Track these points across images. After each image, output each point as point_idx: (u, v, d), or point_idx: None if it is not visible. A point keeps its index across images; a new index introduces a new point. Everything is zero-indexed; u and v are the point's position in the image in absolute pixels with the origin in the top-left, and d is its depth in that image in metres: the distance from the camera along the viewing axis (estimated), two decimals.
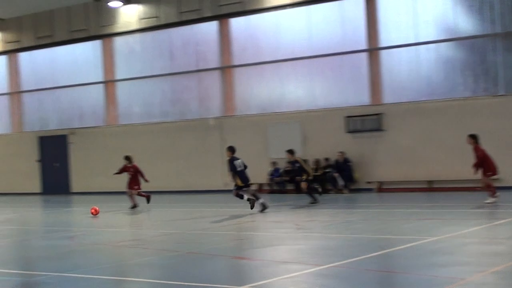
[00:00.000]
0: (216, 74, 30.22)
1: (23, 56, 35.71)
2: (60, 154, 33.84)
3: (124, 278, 10.17)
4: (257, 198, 19.30)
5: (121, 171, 23.06)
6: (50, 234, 16.48)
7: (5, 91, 36.17)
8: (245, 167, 19.62)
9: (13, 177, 35.10)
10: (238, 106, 29.78)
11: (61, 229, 17.45)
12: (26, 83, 35.71)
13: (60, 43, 34.00)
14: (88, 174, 32.77)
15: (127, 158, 23.20)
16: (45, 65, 35.00)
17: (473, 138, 19.22)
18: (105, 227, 17.28)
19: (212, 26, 30.15)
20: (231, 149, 19.75)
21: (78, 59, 33.94)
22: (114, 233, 15.93)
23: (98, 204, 23.44)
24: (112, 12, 32.15)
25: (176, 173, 30.23)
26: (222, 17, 29.74)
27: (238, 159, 19.56)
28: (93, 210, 20.10)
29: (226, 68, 29.89)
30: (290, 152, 21.83)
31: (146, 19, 31.38)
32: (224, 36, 29.91)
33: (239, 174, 19.35)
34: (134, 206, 22.27)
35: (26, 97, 35.77)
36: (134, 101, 32.35)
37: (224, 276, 10.04)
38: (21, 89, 35.84)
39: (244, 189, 19.53)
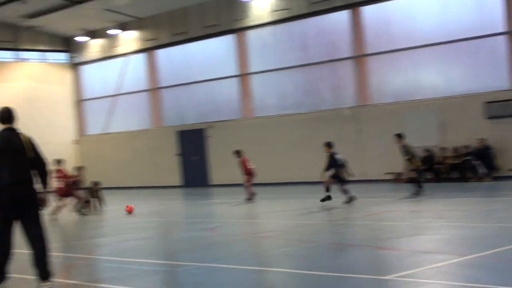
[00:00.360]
0: (349, 64, 30.01)
1: (160, 53, 36.79)
2: (198, 147, 34.64)
3: (265, 268, 10.31)
4: (347, 192, 19.36)
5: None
6: (192, 226, 16.93)
7: (144, 87, 37.43)
8: (344, 162, 19.80)
9: (155, 171, 36.26)
10: (373, 95, 29.45)
11: (202, 221, 17.88)
12: (164, 79, 36.79)
13: (194, 39, 34.78)
14: (226, 167, 33.29)
15: (237, 152, 23.90)
16: (180, 61, 35.91)
17: None
18: (244, 218, 17.57)
19: (343, 15, 29.95)
20: (329, 145, 19.91)
21: (212, 54, 34.60)
22: (253, 224, 16.19)
23: (235, 196, 23.93)
24: (244, 6, 32.57)
25: (311, 164, 30.21)
26: (354, 6, 29.47)
27: (337, 154, 19.69)
28: (128, 208, 20.33)
29: (359, 57, 29.63)
30: (398, 136, 21.36)
31: (278, 11, 31.58)
32: (356, 24, 29.65)
33: (340, 168, 19.51)
34: (250, 198, 22.71)
35: (164, 93, 36.85)
36: (268, 94, 32.65)
37: (366, 266, 9.99)
38: (159, 85, 36.97)
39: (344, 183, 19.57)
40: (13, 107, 9.53)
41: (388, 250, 11.10)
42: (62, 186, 20.96)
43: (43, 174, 9.25)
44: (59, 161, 21.48)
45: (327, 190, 19.49)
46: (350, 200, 19.13)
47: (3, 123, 9.28)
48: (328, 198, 19.27)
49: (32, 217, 9.05)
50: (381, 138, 27.90)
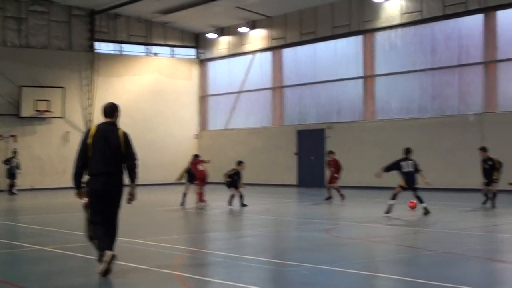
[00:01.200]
0: (479, 69, 29.11)
1: (287, 52, 36.95)
2: (316, 147, 34.56)
3: (375, 274, 10.11)
4: (421, 202, 18.74)
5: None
6: (306, 226, 16.87)
7: (269, 85, 37.70)
8: (416, 170, 19.17)
9: (272, 169, 36.48)
10: (501, 102, 28.45)
11: (316, 222, 17.79)
12: (288, 78, 36.93)
13: (323, 39, 34.73)
14: (344, 168, 33.07)
15: (330, 152, 25.37)
16: (306, 60, 35.93)
17: None
18: (360, 221, 17.34)
19: (477, 19, 29.08)
20: (408, 151, 19.43)
21: (338, 54, 34.44)
22: (368, 228, 15.94)
23: (353, 199, 23.74)
24: (374, 7, 32.22)
25: (434, 170, 29.52)
26: (489, 10, 28.57)
27: (409, 160, 19.13)
28: (411, 204, 20.11)
29: (490, 63, 28.70)
30: (483, 149, 21.15)
31: (409, 14, 31.06)
32: (490, 29, 28.72)
33: (404, 175, 19.01)
34: (329, 198, 24.13)
35: (287, 92, 36.99)
36: (392, 96, 32.16)
37: (481, 278, 9.61)
38: (284, 84, 37.13)
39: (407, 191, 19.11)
40: (118, 104, 10.32)
41: (506, 263, 10.64)
42: (202, 176, 22.53)
43: (132, 169, 9.99)
44: (197, 155, 23.69)
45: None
46: (425, 211, 18.63)
47: (105, 117, 10.09)
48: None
49: (114, 205, 9.89)
50: (505, 147, 26.90)
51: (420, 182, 19.21)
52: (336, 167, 24.68)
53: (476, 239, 13.77)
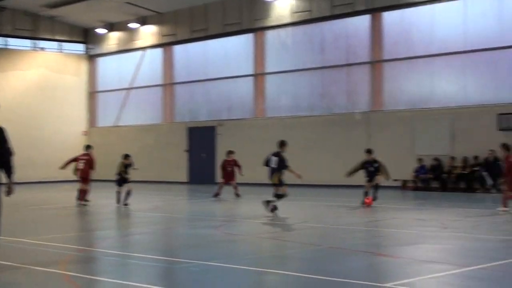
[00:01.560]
0: (366, 68, 29.91)
1: (178, 49, 36.83)
2: (207, 145, 34.64)
3: (264, 270, 10.23)
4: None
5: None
6: (196, 223, 16.88)
7: (159, 82, 37.46)
8: (282, 166, 17.81)
9: (163, 166, 36.30)
10: (386, 101, 29.35)
11: (207, 218, 17.83)
12: (179, 75, 36.82)
13: (214, 36, 34.81)
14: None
15: (230, 152, 25.64)
16: (197, 57, 35.93)
17: None
18: (249, 218, 17.48)
19: (364, 20, 29.86)
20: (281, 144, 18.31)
21: (229, 52, 34.61)
22: (259, 224, 16.09)
23: (243, 196, 23.93)
24: (265, 6, 32.54)
25: (323, 167, 30.19)
26: (375, 11, 29.38)
27: (276, 156, 17.91)
28: (368, 201, 19.96)
29: (376, 63, 29.53)
30: (369, 151, 21.24)
31: (299, 13, 31.53)
32: (376, 30, 29.55)
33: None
34: (217, 195, 24.49)
35: (178, 89, 36.88)
36: (282, 94, 32.60)
37: (365, 272, 9.88)
38: (174, 81, 36.98)
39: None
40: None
41: (390, 257, 10.99)
42: (83, 169, 21.78)
43: (8, 164, 9.98)
44: (88, 146, 23.10)
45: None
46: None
47: None
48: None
49: None
50: (390, 145, 27.81)
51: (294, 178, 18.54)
52: (236, 166, 25.21)
53: (361, 234, 14.14)
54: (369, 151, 21.33)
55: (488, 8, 26.70)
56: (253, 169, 31.67)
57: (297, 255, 11.54)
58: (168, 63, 37.19)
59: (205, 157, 34.68)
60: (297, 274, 9.57)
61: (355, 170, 21.01)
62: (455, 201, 22.18)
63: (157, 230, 15.69)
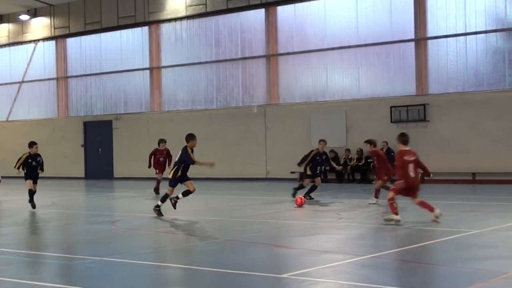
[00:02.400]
0: (262, 62, 30.18)
1: (71, 42, 36.12)
2: (104, 139, 34.20)
3: (162, 264, 10.21)
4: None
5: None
6: (93, 219, 16.66)
7: (52, 76, 36.64)
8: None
9: (58, 161, 35.56)
10: (282, 94, 29.73)
11: (103, 214, 17.62)
12: (73, 68, 36.14)
13: (108, 29, 34.32)
14: (131, 160, 33.06)
15: (162, 140, 23.14)
16: (92, 51, 35.36)
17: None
18: (147, 212, 17.38)
19: (259, 14, 30.11)
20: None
21: (124, 45, 34.23)
22: (156, 219, 16.02)
23: (138, 190, 23.72)
24: None
25: (220, 160, 30.24)
26: (270, 5, 29.68)
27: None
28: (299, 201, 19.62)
29: (271, 56, 29.84)
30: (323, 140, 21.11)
31: (194, 6, 31.47)
32: (271, 24, 29.85)
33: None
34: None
35: (72, 83, 36.19)
36: (179, 88, 32.51)
37: (263, 264, 10.01)
38: (68, 75, 36.26)
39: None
40: None
41: (287, 248, 11.16)
42: None
43: None
44: None
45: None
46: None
47: None
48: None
49: None
50: (287, 137, 28.21)
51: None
52: (168, 156, 22.72)
53: (258, 226, 14.28)
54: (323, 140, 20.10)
55: (378, 3, 27.42)
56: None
57: (196, 248, 11.57)
58: (62, 56, 36.42)
59: (102, 151, 34.21)
60: (196, 267, 9.59)
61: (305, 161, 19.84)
62: (351, 192, 22.72)
63: (53, 227, 15.39)
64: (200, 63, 31.74)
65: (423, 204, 13.80)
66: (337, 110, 27.93)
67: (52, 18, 36.18)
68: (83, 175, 34.92)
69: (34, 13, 36.55)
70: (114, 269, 9.64)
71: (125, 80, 34.06)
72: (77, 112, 35.87)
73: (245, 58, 30.56)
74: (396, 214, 13.53)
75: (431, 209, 13.68)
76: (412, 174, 13.78)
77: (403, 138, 14.16)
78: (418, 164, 14.07)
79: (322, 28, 28.70)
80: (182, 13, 31.86)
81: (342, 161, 27.29)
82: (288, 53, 29.50)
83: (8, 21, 37.77)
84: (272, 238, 12.47)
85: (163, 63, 33.00)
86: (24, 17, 36.68)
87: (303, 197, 18.17)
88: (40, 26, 36.62)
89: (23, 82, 37.59)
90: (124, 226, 14.90)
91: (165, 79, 32.98)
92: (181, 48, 32.46)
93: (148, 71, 33.31)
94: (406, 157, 13.78)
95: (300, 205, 17.54)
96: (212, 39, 31.49)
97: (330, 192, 22.81)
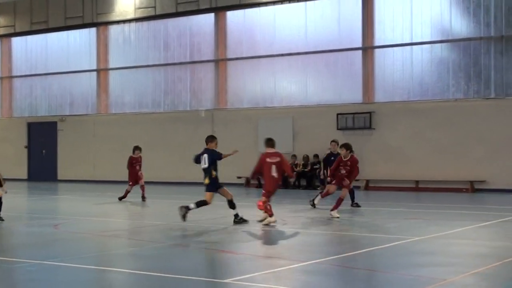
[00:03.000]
0: (210, 67, 30.15)
1: (16, 41, 35.58)
2: (48, 140, 33.74)
3: (105, 268, 10.11)
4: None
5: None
6: (35, 221, 16.42)
7: None
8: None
9: (1, 163, 34.87)
10: (231, 99, 29.75)
11: (46, 217, 17.38)
12: (18, 68, 35.59)
13: (55, 29, 33.90)
14: (76, 162, 32.69)
15: (137, 148, 22.01)
16: (38, 51, 34.88)
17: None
18: (91, 216, 17.21)
19: (208, 18, 30.08)
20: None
21: (71, 46, 33.84)
22: (100, 222, 15.87)
23: (82, 192, 23.46)
24: (108, 0, 32.03)
25: (167, 164, 30.16)
26: (219, 10, 29.67)
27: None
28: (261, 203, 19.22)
29: (220, 61, 29.83)
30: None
31: (143, 9, 31.29)
32: (220, 28, 29.85)
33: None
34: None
35: (17, 82, 35.63)
36: (126, 91, 32.27)
37: (206, 269, 10.00)
38: (13, 74, 35.69)
39: None
40: None
41: (230, 253, 11.17)
42: None
43: None
44: None
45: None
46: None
47: None
48: None
49: None
50: (234, 142, 28.14)
51: None
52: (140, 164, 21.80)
53: (203, 231, 14.25)
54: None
55: (327, 11, 27.65)
56: (94, 166, 31.43)
57: (140, 252, 11.48)
58: (6, 56, 35.83)
59: (45, 153, 33.74)
60: (139, 272, 9.53)
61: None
62: (296, 198, 22.81)
63: None
64: (148, 66, 31.57)
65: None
66: (285, 116, 28.06)
67: None
68: (26, 177, 34.38)
69: None
70: (55, 273, 9.51)
71: (72, 81, 33.66)
72: (21, 112, 35.31)
73: (194, 62, 30.51)
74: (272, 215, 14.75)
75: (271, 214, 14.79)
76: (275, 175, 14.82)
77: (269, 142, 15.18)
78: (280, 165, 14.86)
79: (271, 34, 28.80)
80: (131, 15, 31.65)
81: None
82: (237, 58, 29.53)
83: None
84: (216, 243, 12.45)
85: (111, 65, 32.73)
86: None
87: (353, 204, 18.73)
88: None
89: None
90: (66, 229, 14.73)
91: (112, 81, 32.71)
92: (129, 50, 32.24)
93: (95, 72, 32.98)
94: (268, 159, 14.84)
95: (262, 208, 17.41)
96: (161, 42, 31.36)
97: (275, 198, 22.82)
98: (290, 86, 28.54)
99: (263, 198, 14.65)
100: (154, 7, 30.94)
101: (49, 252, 11.36)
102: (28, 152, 34.58)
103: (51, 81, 34.28)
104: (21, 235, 14.11)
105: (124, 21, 32.04)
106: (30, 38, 34.92)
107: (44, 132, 33.97)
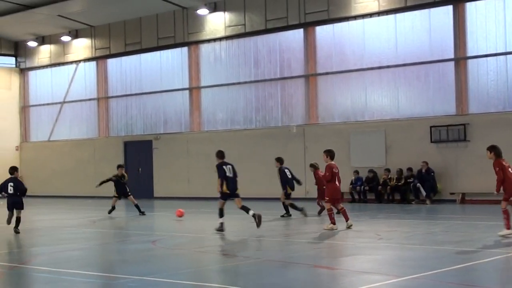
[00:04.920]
0: (300, 82, 30.19)
1: (112, 63, 36.56)
2: (144, 159, 34.42)
3: (200, 283, 10.22)
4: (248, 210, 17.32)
5: None
6: (133, 238, 16.75)
7: (93, 96, 37.08)
8: (235, 175, 17.59)
9: (98, 181, 35.78)
10: (321, 114, 29.66)
11: (143, 233, 17.71)
12: (114, 89, 36.53)
13: (148, 50, 34.67)
14: (171, 179, 33.23)
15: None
16: (132, 71, 35.72)
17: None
18: (185, 232, 17.45)
19: (297, 34, 30.16)
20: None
21: (164, 65, 34.51)
22: (194, 238, 16.07)
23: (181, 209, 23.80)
24: (199, 20, 32.56)
25: (258, 180, 30.28)
26: (308, 25, 29.70)
27: (228, 164, 17.73)
28: (178, 213, 20.43)
29: (310, 76, 29.84)
30: (278, 160, 21.72)
31: (233, 27, 31.67)
32: (309, 44, 29.88)
33: (226, 180, 17.35)
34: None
35: (113, 103, 36.57)
36: (218, 108, 32.63)
37: (303, 284, 9.97)
38: (109, 95, 36.67)
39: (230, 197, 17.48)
40: None
41: (327, 269, 11.12)
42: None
43: None
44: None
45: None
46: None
47: None
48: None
49: None
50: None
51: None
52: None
53: (297, 246, 14.24)
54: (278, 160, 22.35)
55: (417, 23, 27.30)
56: (189, 183, 31.90)
57: (235, 268, 11.57)
58: (102, 77, 36.86)
59: (141, 171, 34.43)
60: (232, 287, 9.60)
61: None
62: (390, 212, 22.55)
63: (94, 246, 15.54)
64: (239, 83, 31.87)
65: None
66: (377, 130, 27.79)
67: (93, 39, 36.68)
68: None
69: (75, 35, 37.10)
70: None
71: (165, 100, 34.32)
72: (117, 132, 36.21)
73: (284, 78, 30.61)
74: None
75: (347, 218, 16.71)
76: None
77: None
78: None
79: (361, 47, 28.63)
80: (221, 33, 32.06)
81: (381, 181, 27.11)
82: (327, 73, 29.47)
83: (50, 43, 38.39)
84: (311, 259, 12.42)
85: (202, 83, 33.20)
86: (65, 38, 37.23)
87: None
88: (81, 47, 37.16)
89: (64, 102, 38.10)
90: (163, 245, 14.98)
91: (204, 99, 33.17)
92: (220, 68, 32.64)
93: (187, 91, 33.54)
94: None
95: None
96: (251, 59, 31.62)
97: (369, 212, 22.67)
98: (381, 100, 28.26)
99: (328, 205, 16.82)
100: (244, 24, 31.26)
101: (147, 268, 11.57)
102: (125, 170, 35.31)
103: (146, 101, 35.04)
104: (121, 252, 14.43)
105: (214, 40, 32.48)
106: (124, 59, 35.82)
107: (139, 150, 34.68)
